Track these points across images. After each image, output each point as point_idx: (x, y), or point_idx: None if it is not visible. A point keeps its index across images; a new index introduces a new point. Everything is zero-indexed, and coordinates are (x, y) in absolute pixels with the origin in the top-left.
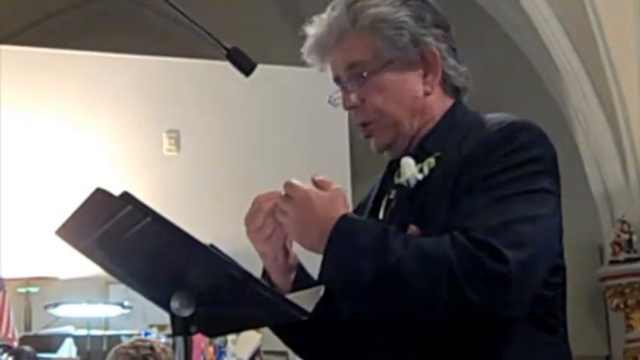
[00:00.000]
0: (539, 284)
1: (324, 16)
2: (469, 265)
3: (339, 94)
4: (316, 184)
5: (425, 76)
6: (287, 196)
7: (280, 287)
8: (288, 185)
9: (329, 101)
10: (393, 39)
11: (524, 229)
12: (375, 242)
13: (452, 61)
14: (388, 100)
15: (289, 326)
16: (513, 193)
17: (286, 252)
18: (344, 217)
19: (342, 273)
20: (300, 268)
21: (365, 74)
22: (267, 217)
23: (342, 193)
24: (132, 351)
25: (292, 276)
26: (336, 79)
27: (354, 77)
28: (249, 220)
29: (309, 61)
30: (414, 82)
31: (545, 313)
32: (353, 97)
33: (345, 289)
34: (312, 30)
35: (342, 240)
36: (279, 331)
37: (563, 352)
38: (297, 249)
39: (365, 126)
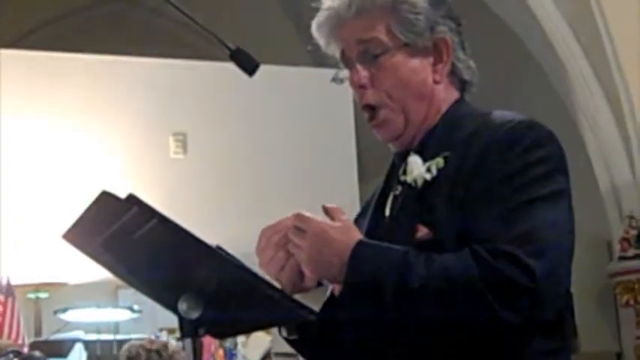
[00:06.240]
0: (564, 290)
1: None
2: (495, 280)
3: (345, 72)
4: (328, 212)
5: (435, 64)
6: (299, 229)
7: None
8: (301, 218)
9: (333, 79)
10: (411, 22)
11: (546, 237)
12: (395, 266)
13: (461, 55)
14: (398, 83)
15: (299, 338)
16: (531, 198)
17: (303, 275)
18: (360, 244)
19: (364, 300)
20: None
21: (377, 54)
22: (278, 249)
23: (352, 223)
24: (147, 344)
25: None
26: (342, 56)
27: (364, 55)
28: (259, 254)
29: (316, 34)
30: (424, 69)
31: (558, 319)
32: (363, 77)
33: (369, 314)
34: (330, 2)
35: (360, 267)
36: (289, 341)
37: (566, 358)
38: None
39: (371, 110)
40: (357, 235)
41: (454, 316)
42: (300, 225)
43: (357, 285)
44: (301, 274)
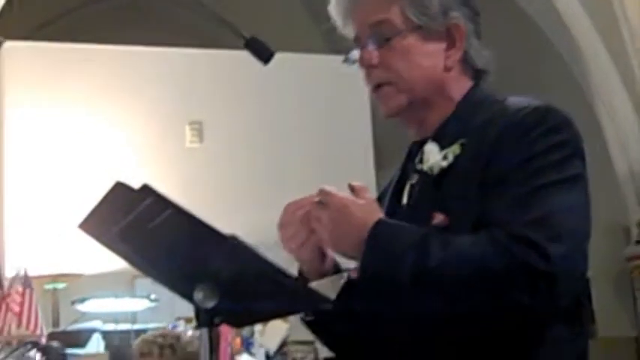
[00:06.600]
0: (581, 275)
1: None
2: (511, 264)
3: (357, 52)
4: (354, 190)
5: (447, 50)
6: (321, 203)
7: None
8: (324, 193)
9: (345, 59)
10: (425, 5)
11: (563, 221)
12: (413, 246)
13: (476, 44)
14: (409, 66)
15: (318, 320)
16: (548, 182)
17: (323, 256)
18: (380, 222)
19: (381, 278)
20: (337, 270)
21: (390, 35)
22: (301, 225)
23: (375, 201)
24: (159, 339)
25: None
26: (357, 38)
27: (376, 36)
28: (281, 228)
29: (334, 13)
30: (436, 54)
31: (575, 304)
32: (374, 56)
33: (384, 293)
34: None
35: (379, 245)
36: (308, 324)
37: (584, 344)
38: None
39: (378, 87)
40: (379, 214)
41: (470, 299)
42: (322, 199)
43: (374, 263)
44: (321, 253)
